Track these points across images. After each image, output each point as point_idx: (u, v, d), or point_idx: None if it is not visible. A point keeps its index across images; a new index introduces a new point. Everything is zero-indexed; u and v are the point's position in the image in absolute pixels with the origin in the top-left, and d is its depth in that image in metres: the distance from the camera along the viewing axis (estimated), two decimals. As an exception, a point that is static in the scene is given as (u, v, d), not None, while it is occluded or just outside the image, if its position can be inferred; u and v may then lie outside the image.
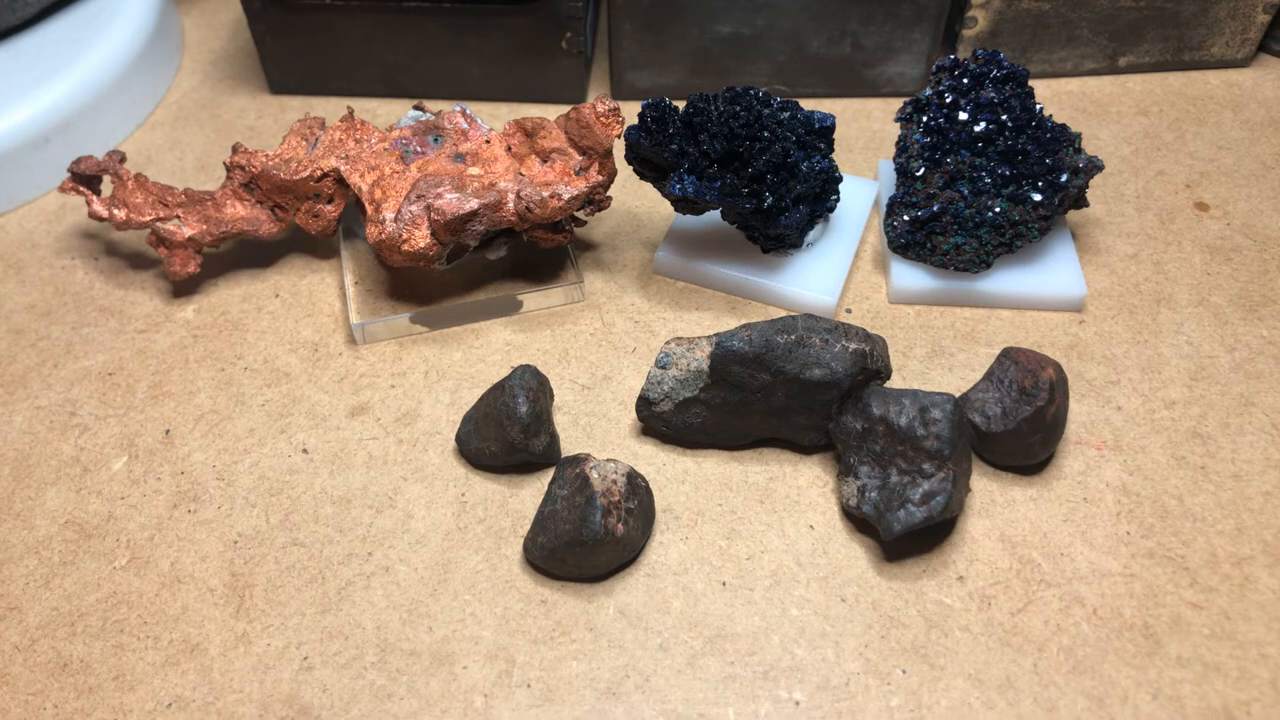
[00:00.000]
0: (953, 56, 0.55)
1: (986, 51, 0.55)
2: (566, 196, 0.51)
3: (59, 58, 0.66)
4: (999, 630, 0.43)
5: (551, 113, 0.69)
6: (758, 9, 0.64)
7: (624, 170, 0.65)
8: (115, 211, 0.55)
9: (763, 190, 0.51)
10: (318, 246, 0.60)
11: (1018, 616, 0.43)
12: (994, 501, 0.47)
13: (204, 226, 0.55)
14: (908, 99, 0.58)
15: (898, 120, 0.56)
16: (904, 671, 0.42)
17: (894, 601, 0.44)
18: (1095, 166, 0.53)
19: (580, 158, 0.53)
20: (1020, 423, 0.46)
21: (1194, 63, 0.70)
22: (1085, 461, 0.49)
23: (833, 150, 0.54)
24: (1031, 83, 0.70)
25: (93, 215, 0.55)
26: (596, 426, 0.51)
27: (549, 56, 0.67)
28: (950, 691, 0.41)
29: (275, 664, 0.43)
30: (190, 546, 0.47)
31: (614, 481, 0.44)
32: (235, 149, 0.56)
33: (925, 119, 0.54)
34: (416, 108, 0.58)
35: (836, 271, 0.55)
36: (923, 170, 0.54)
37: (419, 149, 0.55)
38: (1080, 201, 0.55)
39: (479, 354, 0.54)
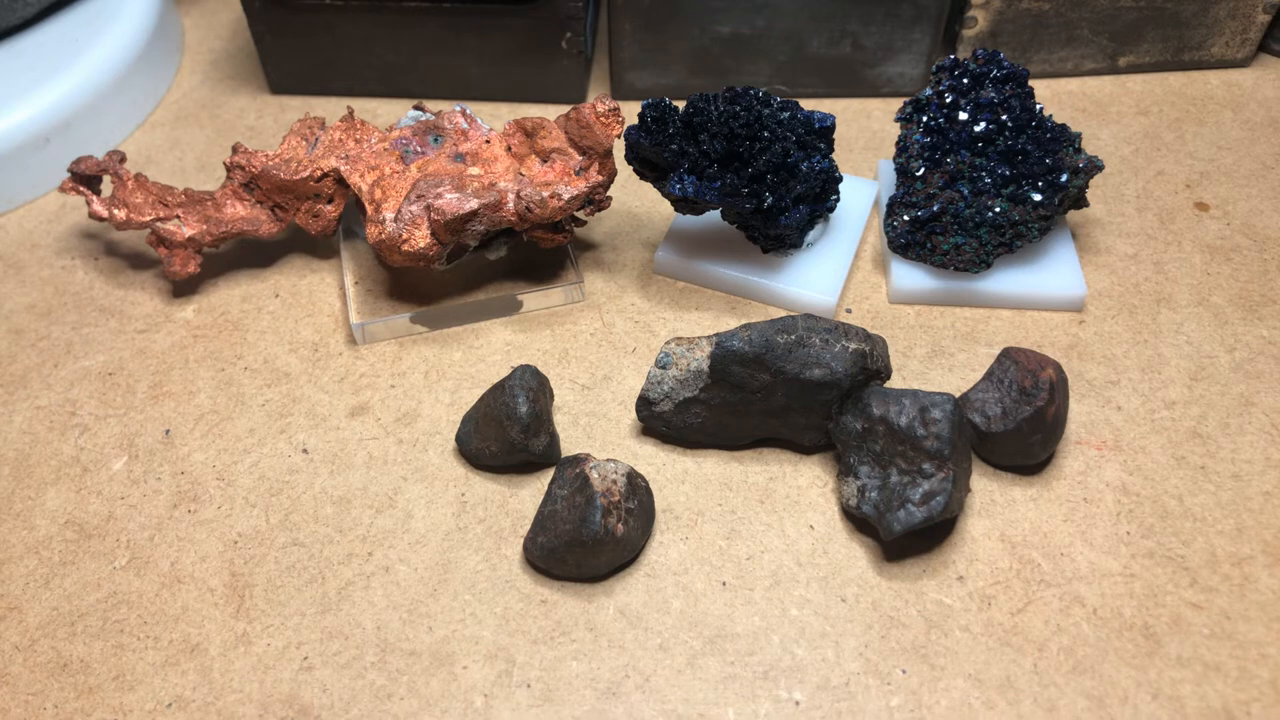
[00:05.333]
0: (953, 56, 0.55)
1: (986, 51, 0.55)
2: (566, 196, 0.51)
3: (59, 58, 0.66)
4: (999, 630, 0.43)
5: (551, 113, 0.69)
6: (758, 9, 0.64)
7: (624, 170, 0.65)
8: (115, 211, 0.55)
9: (763, 190, 0.51)
10: (318, 246, 0.60)
11: (1018, 616, 0.43)
12: (994, 501, 0.47)
13: (204, 226, 0.55)
14: (908, 99, 0.58)
15: (898, 120, 0.56)
16: (904, 671, 0.42)
17: (894, 601, 0.44)
18: (1095, 166, 0.53)
19: (580, 158, 0.53)
20: (1020, 423, 0.46)
21: (1194, 63, 0.70)
22: (1085, 461, 0.49)
23: (833, 150, 0.54)
24: (1031, 83, 0.70)
25: (93, 215, 0.55)
26: (596, 426, 0.51)
27: (549, 56, 0.67)
28: (950, 691, 0.41)
29: (275, 664, 0.43)
30: (190, 546, 0.47)
31: (614, 481, 0.44)
32: (235, 149, 0.56)
33: (925, 119, 0.54)
34: (416, 108, 0.58)
35: (836, 271, 0.55)
36: (923, 170, 0.54)
37: (419, 149, 0.55)
38: (1080, 201, 0.55)
39: (479, 354, 0.54)
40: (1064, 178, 0.52)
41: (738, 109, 0.50)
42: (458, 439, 0.49)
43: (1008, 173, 0.53)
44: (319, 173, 0.55)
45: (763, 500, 0.48)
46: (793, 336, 0.46)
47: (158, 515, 0.48)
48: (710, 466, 0.49)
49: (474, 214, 0.51)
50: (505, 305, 0.56)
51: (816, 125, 0.52)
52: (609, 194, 0.59)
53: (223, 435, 0.51)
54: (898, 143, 0.56)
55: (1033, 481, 0.48)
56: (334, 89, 0.70)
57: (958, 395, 0.51)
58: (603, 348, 0.54)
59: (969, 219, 0.53)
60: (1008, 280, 0.55)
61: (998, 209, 0.52)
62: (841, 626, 0.43)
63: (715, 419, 0.48)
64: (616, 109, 0.52)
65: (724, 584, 0.45)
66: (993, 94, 0.53)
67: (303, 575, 0.46)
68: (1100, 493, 0.47)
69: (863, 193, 0.59)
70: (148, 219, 0.55)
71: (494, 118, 0.69)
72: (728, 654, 0.43)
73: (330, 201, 0.56)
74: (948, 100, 0.54)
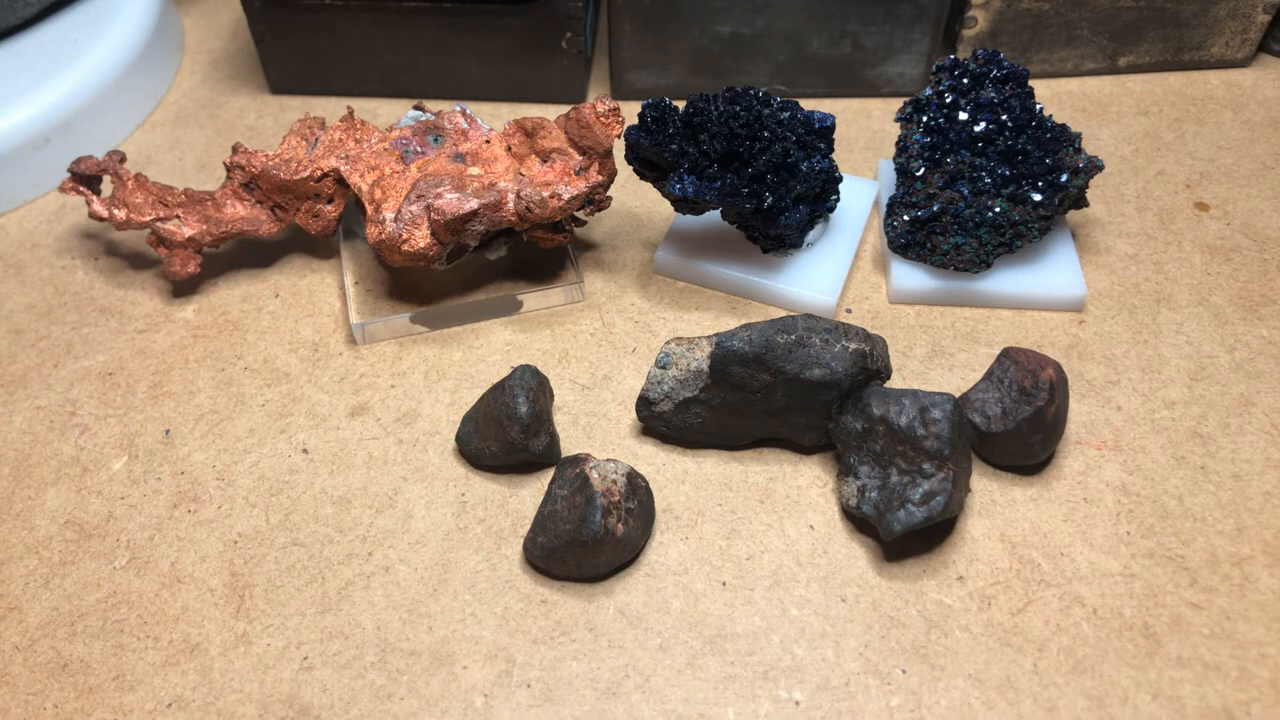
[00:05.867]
0: (953, 56, 0.55)
1: (986, 51, 0.55)
2: (566, 196, 0.51)
3: (59, 58, 0.66)
4: (999, 630, 0.43)
5: (551, 113, 0.69)
6: (758, 9, 0.64)
7: (624, 170, 0.65)
8: (115, 211, 0.55)
9: (763, 190, 0.51)
10: (318, 246, 0.60)
11: (1018, 616, 0.43)
12: (994, 501, 0.47)
13: (204, 226, 0.55)
14: (908, 99, 0.58)
15: (898, 120, 0.56)
16: (904, 671, 0.42)
17: (894, 601, 0.44)
18: (1095, 166, 0.53)
19: (580, 158, 0.53)
20: (1020, 423, 0.46)
21: (1194, 63, 0.70)
22: (1085, 461, 0.49)
23: (833, 150, 0.54)
24: (1031, 83, 0.70)
25: (93, 215, 0.55)
26: (596, 426, 0.51)
27: (549, 56, 0.67)
28: (950, 691, 0.41)
29: (275, 664, 0.43)
30: (190, 546, 0.47)
31: (614, 481, 0.44)
32: (235, 149, 0.56)
33: (925, 119, 0.54)
34: (416, 108, 0.58)
35: (836, 271, 0.55)
36: (923, 170, 0.54)
37: (419, 149, 0.55)
38: (1080, 201, 0.55)
39: (479, 354, 0.54)
40: (1064, 178, 0.52)
41: (738, 109, 0.50)
42: (458, 439, 0.49)
43: (1008, 173, 0.53)
44: (319, 173, 0.55)
45: (763, 500, 0.48)
46: (793, 336, 0.46)
47: (158, 515, 0.48)
48: (710, 466, 0.49)
49: (474, 214, 0.51)
50: (505, 305, 0.56)
51: (816, 125, 0.52)
52: (609, 194, 0.59)
53: (223, 435, 0.51)
54: (898, 143, 0.56)
55: (1033, 481, 0.48)
56: (334, 89, 0.70)
57: (958, 395, 0.51)
58: (603, 348, 0.54)
59: (969, 219, 0.53)
60: (1008, 280, 0.55)
61: (998, 209, 0.52)
62: (841, 626, 0.43)
63: (715, 419, 0.48)
64: (616, 109, 0.52)
65: (724, 584, 0.45)
66: (993, 94, 0.53)
67: (303, 575, 0.46)
68: (1100, 493, 0.47)
69: (863, 193, 0.59)
70: (148, 219, 0.55)
71: (494, 118, 0.69)
72: (728, 654, 0.43)
73: (330, 201, 0.56)
74: (948, 100, 0.54)
